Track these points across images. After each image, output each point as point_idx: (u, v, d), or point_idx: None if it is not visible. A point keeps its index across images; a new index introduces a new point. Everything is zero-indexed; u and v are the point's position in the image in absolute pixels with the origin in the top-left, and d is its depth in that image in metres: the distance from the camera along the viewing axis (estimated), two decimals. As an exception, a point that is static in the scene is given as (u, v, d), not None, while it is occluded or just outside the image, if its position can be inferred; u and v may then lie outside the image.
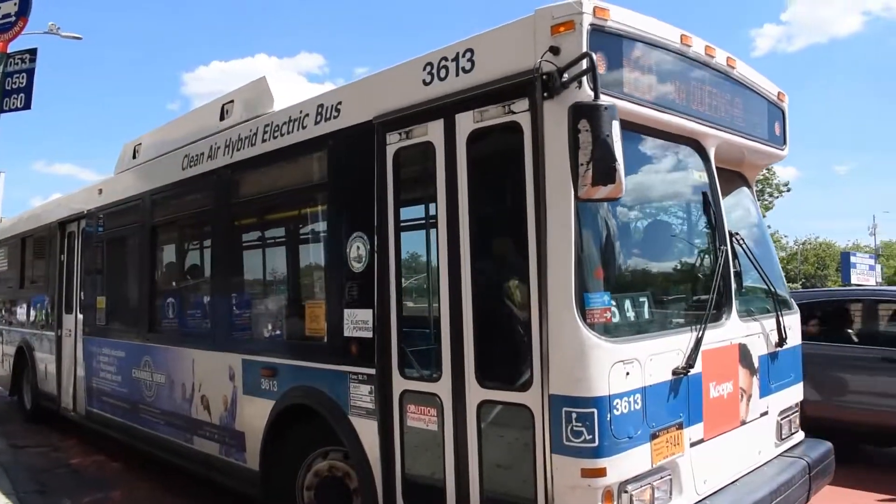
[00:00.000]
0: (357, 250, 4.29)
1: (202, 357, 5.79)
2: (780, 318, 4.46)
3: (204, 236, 6.24)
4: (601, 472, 3.14)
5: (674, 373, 3.55)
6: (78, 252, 8.31)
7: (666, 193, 4.18)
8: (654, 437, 3.41)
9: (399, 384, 4.01)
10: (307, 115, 4.78)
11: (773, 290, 4.44)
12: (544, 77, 3.29)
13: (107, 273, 7.66)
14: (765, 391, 4.37)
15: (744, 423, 4.15)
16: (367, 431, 4.16)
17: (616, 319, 3.39)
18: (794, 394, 4.78)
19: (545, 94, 3.29)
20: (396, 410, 4.01)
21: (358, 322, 4.25)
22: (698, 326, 3.71)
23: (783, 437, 4.58)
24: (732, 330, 4.05)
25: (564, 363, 3.20)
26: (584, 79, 3.20)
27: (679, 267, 4.13)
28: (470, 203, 3.66)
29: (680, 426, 3.59)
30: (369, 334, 4.16)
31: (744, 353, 4.17)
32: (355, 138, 4.35)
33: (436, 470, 3.81)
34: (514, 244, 3.52)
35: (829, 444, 4.81)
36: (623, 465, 3.23)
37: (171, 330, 6.38)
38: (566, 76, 3.21)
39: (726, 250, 4.02)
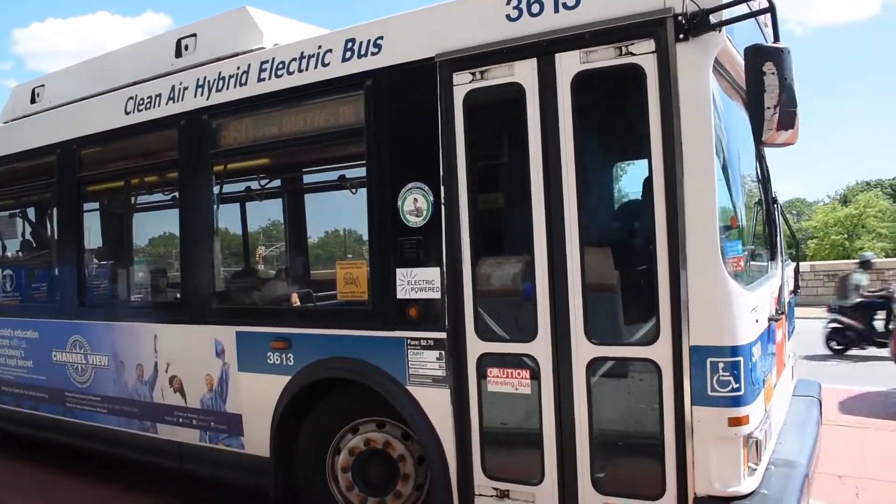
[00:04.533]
0: (414, 203, 3.87)
1: (171, 332, 4.98)
2: (798, 267, 4.75)
3: (163, 190, 5.33)
4: (745, 420, 3.14)
5: (769, 319, 3.63)
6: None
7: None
8: (764, 382, 3.47)
9: (476, 347, 3.71)
10: (329, 50, 4.19)
11: (795, 241, 4.70)
12: (679, 18, 3.13)
13: (-5, 240, 6.33)
14: (789, 335, 4.66)
15: (784, 366, 4.39)
16: (434, 401, 3.82)
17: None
18: (795, 338, 5.15)
19: (680, 36, 3.13)
20: (473, 376, 3.72)
21: (419, 282, 3.85)
22: (773, 273, 3.83)
23: (792, 378, 4.92)
24: (781, 277, 4.24)
25: (709, 313, 3.12)
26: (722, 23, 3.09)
27: (749, 216, 4.22)
28: (576, 149, 3.43)
29: (771, 371, 3.70)
30: (436, 295, 3.79)
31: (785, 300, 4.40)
32: (407, 78, 3.89)
33: (529, 435, 3.60)
34: (634, 191, 3.37)
35: (818, 382, 5.25)
36: (755, 411, 3.25)
37: (117, 304, 5.42)
38: (713, 18, 3.06)
39: (777, 201, 4.18)
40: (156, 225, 5.50)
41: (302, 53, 4.31)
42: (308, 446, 4.38)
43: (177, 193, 5.02)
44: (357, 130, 4.14)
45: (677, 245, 3.15)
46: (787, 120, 2.83)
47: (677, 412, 3.19)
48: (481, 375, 3.70)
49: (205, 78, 4.77)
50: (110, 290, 5.52)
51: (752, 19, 3.41)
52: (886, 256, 29.38)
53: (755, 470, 3.28)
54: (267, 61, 4.46)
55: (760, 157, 4.22)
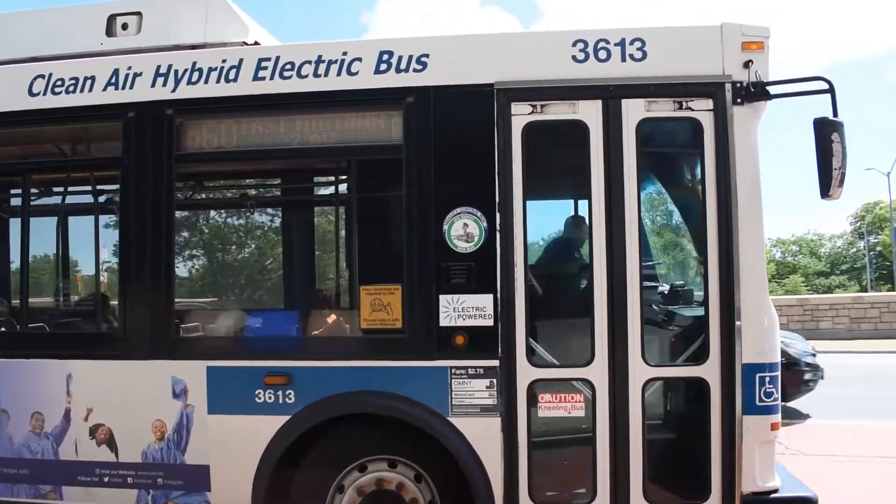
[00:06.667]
0: (464, 228, 3.79)
1: (99, 371, 4.00)
2: None
3: (87, 191, 4.26)
4: (779, 425, 3.72)
5: None
6: None
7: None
8: None
9: (527, 374, 3.76)
10: (357, 59, 3.91)
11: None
12: (737, 84, 3.68)
13: None
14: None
15: None
16: (481, 431, 3.75)
17: None
18: None
19: (738, 101, 3.68)
20: (524, 402, 3.76)
21: (468, 309, 3.76)
22: None
23: None
24: None
25: (759, 336, 3.65)
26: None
27: None
28: (638, 187, 3.74)
29: None
30: (488, 322, 3.75)
31: None
32: (458, 101, 3.84)
33: (581, 456, 3.75)
34: (691, 231, 3.79)
35: None
36: None
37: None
38: (775, 89, 3.64)
39: None
40: (71, 232, 4.35)
41: (319, 57, 3.95)
42: (303, 491, 3.92)
43: (117, 197, 4.10)
44: (388, 147, 3.92)
45: (731, 277, 3.64)
46: (843, 180, 3.54)
47: (728, 422, 3.65)
48: (532, 402, 3.76)
49: (170, 66, 4.04)
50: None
51: None
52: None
53: None
54: (268, 59, 3.98)
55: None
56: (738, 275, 3.65)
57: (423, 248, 3.82)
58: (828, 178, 3.52)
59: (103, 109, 4.06)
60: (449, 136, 3.85)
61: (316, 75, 3.95)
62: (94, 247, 4.23)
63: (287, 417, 3.85)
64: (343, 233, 4.04)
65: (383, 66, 3.90)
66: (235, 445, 3.89)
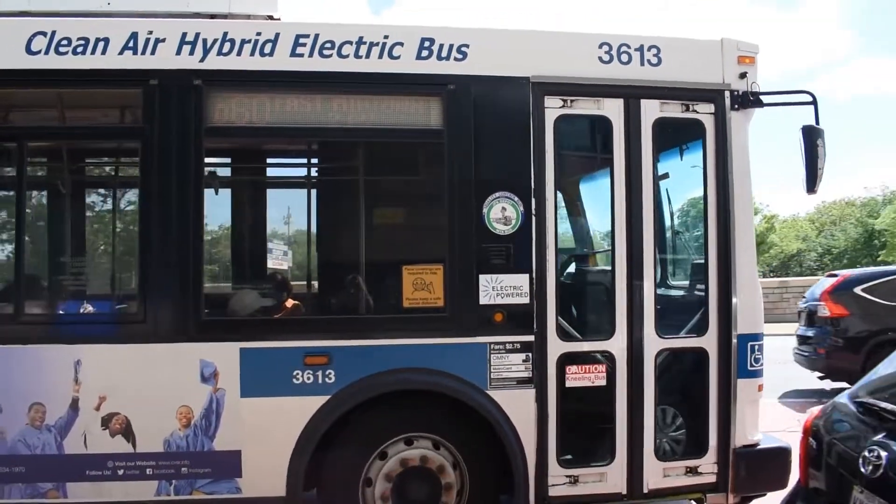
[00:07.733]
0: (503, 212, 4.01)
1: (115, 356, 3.70)
2: None
3: (101, 162, 3.86)
4: (762, 386, 4.34)
5: None
6: None
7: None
8: None
9: (557, 348, 4.07)
10: (399, 43, 3.98)
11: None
12: (734, 93, 4.24)
13: None
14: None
15: None
16: (517, 402, 3.99)
17: None
18: None
19: (735, 106, 4.24)
20: (554, 374, 4.05)
21: (506, 288, 3.99)
22: None
23: None
24: None
25: (752, 310, 4.23)
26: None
27: None
28: (654, 179, 4.18)
29: None
30: (524, 300, 4.00)
31: None
32: (497, 91, 4.05)
33: (602, 422, 4.13)
34: (695, 218, 4.28)
35: None
36: None
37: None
38: (766, 99, 4.23)
39: None
40: (82, 205, 3.89)
41: (361, 38, 3.97)
42: (338, 465, 3.94)
43: (137, 169, 3.80)
44: (429, 132, 4.04)
45: (729, 259, 4.20)
46: (822, 176, 4.20)
47: (724, 385, 4.20)
48: (560, 373, 4.07)
49: (197, 34, 3.84)
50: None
51: None
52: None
53: None
54: (307, 35, 3.92)
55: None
56: (734, 257, 4.22)
57: (463, 229, 3.99)
58: (813, 176, 4.19)
59: (119, 75, 3.77)
60: (487, 124, 4.05)
61: (357, 56, 3.96)
62: (109, 221, 3.88)
63: (327, 397, 3.83)
64: (374, 214, 4.09)
65: (425, 53, 4.01)
66: (271, 428, 3.81)
